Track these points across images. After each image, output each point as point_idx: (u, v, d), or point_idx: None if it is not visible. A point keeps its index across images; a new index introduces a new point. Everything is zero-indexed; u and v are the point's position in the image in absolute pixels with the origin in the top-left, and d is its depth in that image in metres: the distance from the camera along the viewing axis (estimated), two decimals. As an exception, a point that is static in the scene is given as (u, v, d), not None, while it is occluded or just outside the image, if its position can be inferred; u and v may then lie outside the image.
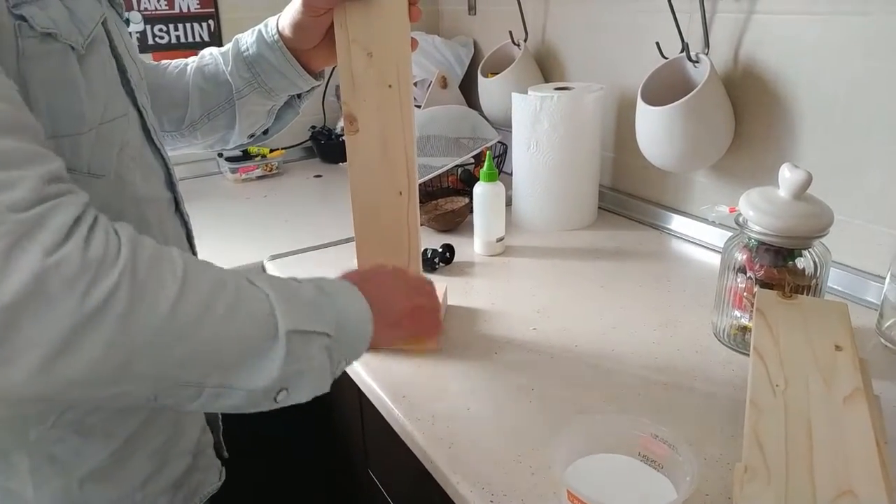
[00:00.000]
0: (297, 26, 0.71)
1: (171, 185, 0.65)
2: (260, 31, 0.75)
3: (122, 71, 0.56)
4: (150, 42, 1.59)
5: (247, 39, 0.76)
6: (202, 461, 0.70)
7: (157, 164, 0.62)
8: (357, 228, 0.79)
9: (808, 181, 0.74)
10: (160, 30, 1.60)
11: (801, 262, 0.76)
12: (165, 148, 0.65)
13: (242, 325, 0.45)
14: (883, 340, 0.81)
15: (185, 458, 0.67)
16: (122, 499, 0.60)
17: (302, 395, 0.50)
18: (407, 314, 0.62)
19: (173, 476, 0.65)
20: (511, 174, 1.26)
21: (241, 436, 0.84)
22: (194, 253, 0.70)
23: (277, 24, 0.74)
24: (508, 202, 1.23)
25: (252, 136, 0.83)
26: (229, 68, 0.76)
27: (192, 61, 0.80)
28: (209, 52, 0.79)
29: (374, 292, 0.57)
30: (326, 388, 0.52)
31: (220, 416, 0.76)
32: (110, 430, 0.58)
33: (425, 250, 1.07)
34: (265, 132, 0.85)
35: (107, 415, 0.57)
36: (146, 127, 0.60)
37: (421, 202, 1.30)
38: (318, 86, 0.80)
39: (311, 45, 0.73)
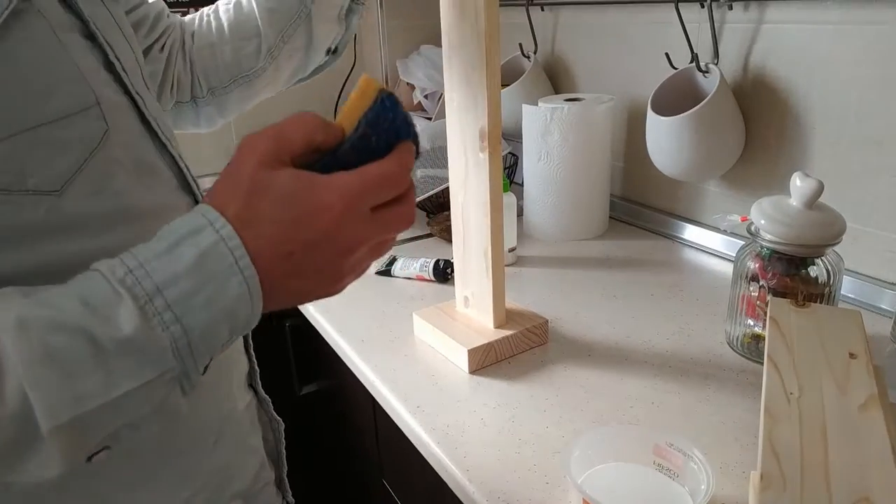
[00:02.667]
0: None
1: (186, 188, 0.53)
2: None
3: (104, 54, 0.47)
4: None
5: None
6: (260, 500, 0.63)
7: (161, 165, 0.51)
8: None
9: (820, 190, 0.74)
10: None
11: (813, 271, 0.76)
12: (236, 106, 0.59)
13: None
14: (898, 348, 0.80)
15: (235, 503, 0.59)
16: None
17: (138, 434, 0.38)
18: (350, 270, 0.43)
19: None
20: (522, 185, 1.26)
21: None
22: None
23: None
24: (519, 213, 1.24)
25: (328, 51, 0.79)
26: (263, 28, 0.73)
27: (207, 10, 0.75)
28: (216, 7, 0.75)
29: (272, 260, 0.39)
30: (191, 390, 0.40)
31: (283, 449, 0.70)
32: (146, 483, 0.50)
33: (437, 261, 1.08)
34: (335, 51, 0.81)
35: (139, 465, 0.49)
36: (146, 119, 0.50)
37: (432, 213, 1.32)
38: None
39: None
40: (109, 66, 0.48)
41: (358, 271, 0.43)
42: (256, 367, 0.65)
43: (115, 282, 0.36)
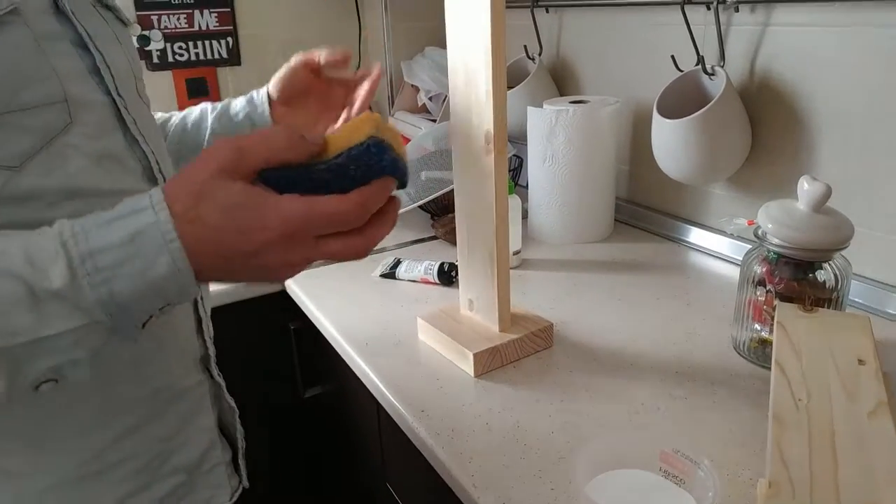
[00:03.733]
0: (282, 87, 0.79)
1: (153, 179, 0.60)
2: (251, 96, 0.83)
3: (93, 60, 0.54)
4: (171, 59, 1.62)
5: (237, 103, 0.83)
6: (210, 479, 0.68)
7: (129, 156, 0.57)
8: None
9: (828, 193, 0.74)
10: (180, 47, 1.63)
11: (821, 275, 0.76)
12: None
13: None
14: (906, 353, 0.80)
15: (176, 476, 0.64)
16: None
17: (79, 371, 0.44)
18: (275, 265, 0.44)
19: (160, 495, 0.63)
20: (526, 187, 1.26)
21: (259, 450, 0.85)
22: None
23: (269, 88, 0.82)
24: (524, 215, 1.23)
25: None
26: (211, 121, 0.82)
27: (180, 113, 0.85)
28: (199, 108, 0.85)
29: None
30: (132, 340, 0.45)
31: (241, 433, 0.76)
32: (75, 442, 0.56)
33: (442, 264, 1.07)
34: None
35: (70, 426, 0.56)
36: (121, 117, 0.57)
37: (437, 215, 1.31)
38: None
39: (294, 98, 0.80)
40: (97, 71, 0.55)
41: (303, 269, 0.46)
42: (211, 352, 0.69)
43: (58, 241, 0.41)
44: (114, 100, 0.56)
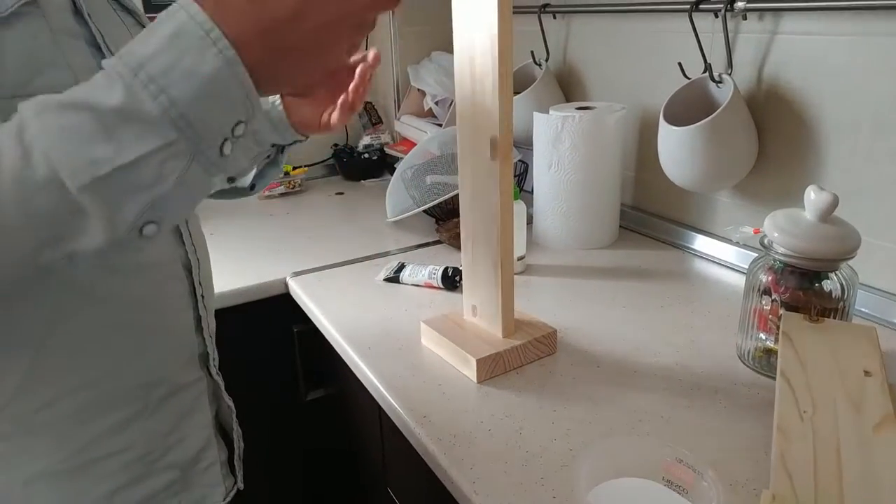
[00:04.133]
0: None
1: None
2: None
3: (98, 49, 0.56)
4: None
5: None
6: (204, 477, 0.68)
7: None
8: None
9: (835, 203, 0.73)
10: None
11: (827, 285, 0.75)
12: None
13: (27, 211, 0.39)
14: (913, 365, 0.79)
15: (170, 472, 0.64)
16: None
17: (177, 213, 0.44)
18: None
19: (152, 490, 0.63)
20: (532, 192, 1.26)
21: (258, 451, 0.85)
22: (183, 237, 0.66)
23: None
24: (529, 220, 1.23)
25: (231, 179, 0.80)
26: None
27: None
28: None
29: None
30: (208, 191, 0.45)
31: (239, 433, 0.76)
32: (65, 431, 0.57)
33: (446, 268, 1.07)
34: (252, 188, 0.83)
35: (60, 414, 0.56)
36: None
37: (441, 220, 1.31)
38: (302, 141, 0.80)
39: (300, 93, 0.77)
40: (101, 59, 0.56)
41: (345, 45, 0.45)
42: (211, 351, 0.69)
43: (109, 68, 0.40)
44: None
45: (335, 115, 0.70)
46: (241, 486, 0.75)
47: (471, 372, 0.80)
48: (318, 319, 1.01)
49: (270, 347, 1.20)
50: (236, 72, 0.40)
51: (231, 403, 0.74)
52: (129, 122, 0.40)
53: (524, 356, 0.83)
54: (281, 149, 0.81)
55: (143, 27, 0.65)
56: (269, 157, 0.80)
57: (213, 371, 0.70)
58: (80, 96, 0.40)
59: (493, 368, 0.81)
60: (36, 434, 0.56)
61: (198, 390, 0.68)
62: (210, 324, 0.70)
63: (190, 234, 0.66)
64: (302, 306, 1.08)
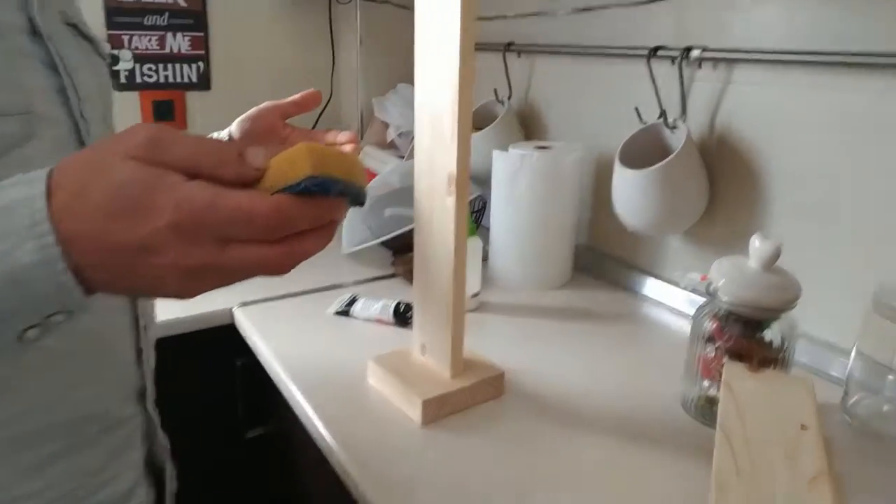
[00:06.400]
0: (246, 128, 0.81)
1: None
2: (210, 137, 0.82)
3: (61, 82, 0.54)
4: (139, 80, 1.60)
5: None
6: None
7: None
8: None
9: (778, 253, 0.74)
10: (149, 68, 1.61)
11: (769, 334, 0.76)
12: None
13: None
14: (847, 417, 0.80)
15: None
16: None
17: None
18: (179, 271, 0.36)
19: None
20: (489, 228, 1.26)
21: (193, 491, 0.81)
22: None
23: (230, 129, 0.82)
24: (486, 257, 1.23)
25: None
26: None
27: None
28: None
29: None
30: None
31: (172, 473, 0.73)
32: None
33: (398, 304, 1.06)
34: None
35: None
36: (81, 138, 0.56)
37: (397, 253, 1.30)
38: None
39: (255, 140, 0.80)
40: (63, 91, 0.55)
41: (210, 282, 0.38)
42: (149, 385, 0.66)
43: None
44: (76, 121, 0.56)
45: None
46: None
47: (416, 413, 0.79)
48: (261, 353, 0.98)
49: (212, 381, 1.16)
50: (55, 270, 0.35)
51: (166, 441, 0.71)
52: None
53: (471, 398, 0.82)
54: None
55: (101, 56, 0.65)
56: None
57: (150, 407, 0.67)
58: None
59: (439, 410, 0.79)
60: None
61: (132, 426, 0.64)
62: (150, 357, 0.67)
63: None
64: (246, 339, 1.05)
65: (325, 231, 0.38)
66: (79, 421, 0.58)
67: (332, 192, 0.36)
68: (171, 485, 0.72)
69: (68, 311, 0.38)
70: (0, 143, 0.49)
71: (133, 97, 1.60)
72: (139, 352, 0.64)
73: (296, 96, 0.81)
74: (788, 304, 0.74)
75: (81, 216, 0.35)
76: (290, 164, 0.36)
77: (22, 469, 0.54)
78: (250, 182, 0.36)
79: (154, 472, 0.70)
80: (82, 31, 0.62)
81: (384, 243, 1.28)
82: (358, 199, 0.38)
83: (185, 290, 0.37)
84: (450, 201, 0.77)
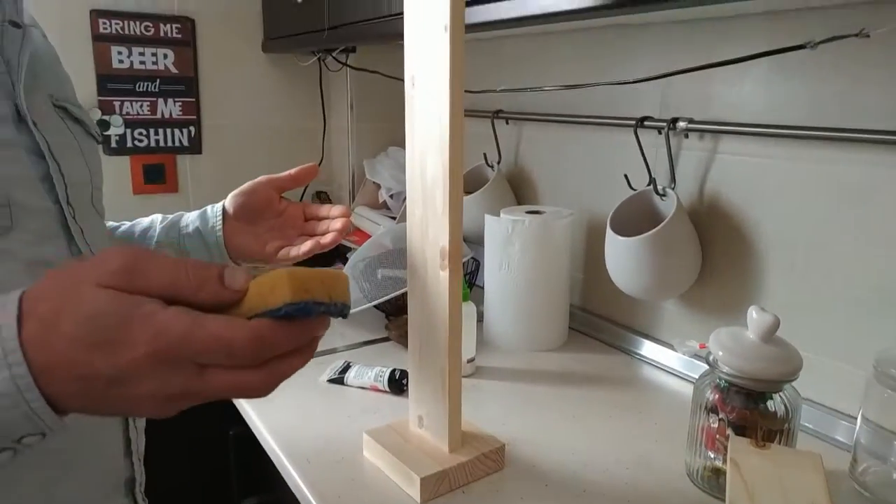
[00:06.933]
0: (241, 202, 0.81)
1: None
2: (205, 210, 0.82)
3: (47, 168, 0.54)
4: (130, 145, 1.61)
5: (190, 216, 0.83)
6: None
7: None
8: None
9: (776, 325, 0.75)
10: (140, 133, 1.62)
11: (772, 405, 0.75)
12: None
13: None
14: (857, 486, 0.79)
15: None
16: None
17: None
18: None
19: None
20: (483, 288, 1.26)
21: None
22: None
23: (225, 202, 0.82)
24: (480, 318, 1.22)
25: None
26: (159, 230, 0.82)
27: (131, 221, 0.85)
28: (151, 217, 0.85)
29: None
30: None
31: (141, 488, 0.67)
32: None
33: (393, 371, 1.04)
34: None
35: None
36: (67, 226, 0.56)
37: (391, 316, 1.29)
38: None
39: (250, 219, 0.81)
40: (49, 178, 0.55)
41: (188, 404, 0.38)
42: (139, 475, 0.64)
43: None
44: (62, 208, 0.56)
45: (295, 251, 0.74)
46: None
47: (414, 491, 0.76)
48: (254, 425, 0.96)
49: (205, 450, 1.13)
50: (26, 399, 0.35)
51: None
52: None
53: (471, 473, 0.80)
54: None
55: (93, 137, 0.65)
56: None
57: (139, 497, 0.65)
58: None
59: (438, 487, 0.77)
60: None
61: None
62: (140, 445, 0.64)
63: None
64: (238, 408, 1.02)
65: (306, 350, 0.38)
66: None
67: (313, 313, 0.36)
68: None
69: (41, 433, 0.37)
70: None
71: (124, 161, 1.61)
72: (128, 441, 0.62)
73: (292, 171, 0.81)
74: (790, 376, 0.74)
75: (54, 347, 0.34)
76: (270, 288, 0.36)
77: None
78: (229, 305, 0.36)
79: None
80: (72, 112, 0.62)
81: (377, 306, 1.27)
82: (341, 313, 0.38)
83: (162, 413, 0.37)
84: (443, 275, 0.77)
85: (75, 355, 0.34)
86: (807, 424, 0.92)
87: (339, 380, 1.06)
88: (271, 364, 0.37)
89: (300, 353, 0.38)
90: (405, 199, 1.63)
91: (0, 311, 0.35)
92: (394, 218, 1.63)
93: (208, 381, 0.36)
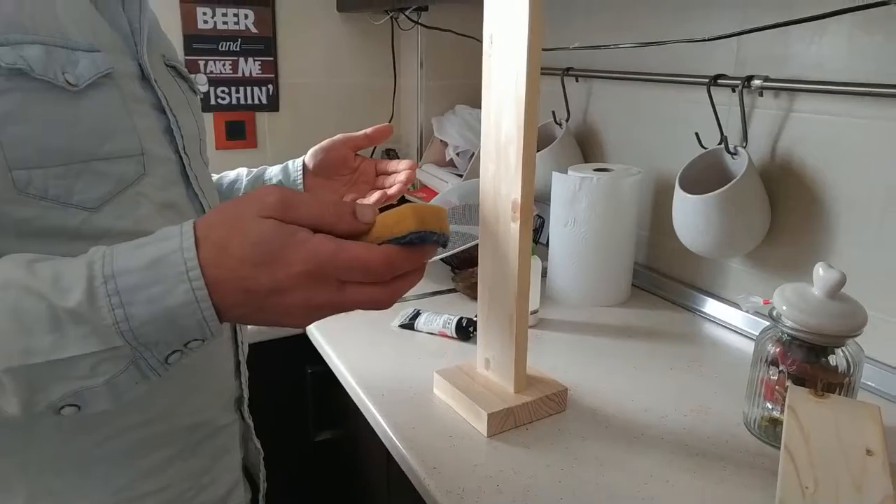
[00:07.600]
0: (320, 158, 0.87)
1: None
2: (287, 165, 0.89)
3: (167, 122, 0.61)
4: (213, 102, 1.70)
5: (272, 169, 0.89)
6: None
7: (189, 207, 0.63)
8: None
9: (842, 282, 0.76)
10: (223, 91, 1.71)
11: (833, 360, 0.77)
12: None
13: None
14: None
15: None
16: None
17: (99, 405, 0.45)
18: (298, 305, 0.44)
19: None
20: (547, 245, 1.29)
21: (274, 493, 0.86)
22: None
23: (305, 158, 0.88)
24: (544, 274, 1.26)
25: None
26: (245, 182, 0.89)
27: (219, 175, 0.91)
28: (237, 171, 0.91)
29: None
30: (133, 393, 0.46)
31: (264, 475, 0.78)
32: (114, 469, 0.58)
33: (461, 319, 1.10)
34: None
35: (113, 452, 0.58)
36: (186, 173, 0.63)
37: (458, 269, 1.34)
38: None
39: (327, 174, 0.88)
40: (169, 131, 0.61)
41: (327, 314, 0.45)
42: (246, 394, 0.72)
43: (87, 263, 0.43)
44: (181, 157, 0.62)
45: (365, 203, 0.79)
46: None
47: (482, 425, 0.82)
48: (333, 363, 1.04)
49: (282, 387, 1.22)
50: (201, 308, 0.42)
51: (259, 445, 0.76)
52: (79, 324, 0.42)
53: (535, 413, 0.85)
54: None
55: (195, 92, 0.71)
56: None
57: (246, 413, 0.73)
58: (44, 286, 0.42)
59: (504, 423, 0.83)
60: (88, 470, 0.57)
61: (232, 432, 0.70)
62: (245, 369, 0.73)
63: None
64: (318, 348, 1.10)
65: (419, 271, 0.46)
66: (189, 428, 0.63)
67: (428, 241, 0.44)
68: (263, 486, 0.77)
69: (205, 338, 0.45)
70: (119, 183, 0.55)
71: (207, 118, 1.70)
72: (237, 364, 0.70)
73: (368, 130, 0.86)
74: (854, 331, 0.75)
75: (225, 266, 0.42)
76: (395, 220, 0.44)
77: (145, 471, 0.60)
78: (361, 233, 0.44)
79: (249, 475, 0.75)
80: (180, 71, 0.69)
81: (444, 259, 1.33)
82: (446, 243, 0.47)
83: (306, 321, 0.45)
84: (514, 227, 0.81)
85: (244, 272, 0.42)
86: (869, 383, 0.93)
87: (409, 325, 1.13)
88: (395, 281, 0.45)
89: (416, 273, 0.46)
90: (472, 156, 1.67)
91: (179, 238, 0.43)
92: (461, 175, 1.67)
93: (347, 294, 0.43)
